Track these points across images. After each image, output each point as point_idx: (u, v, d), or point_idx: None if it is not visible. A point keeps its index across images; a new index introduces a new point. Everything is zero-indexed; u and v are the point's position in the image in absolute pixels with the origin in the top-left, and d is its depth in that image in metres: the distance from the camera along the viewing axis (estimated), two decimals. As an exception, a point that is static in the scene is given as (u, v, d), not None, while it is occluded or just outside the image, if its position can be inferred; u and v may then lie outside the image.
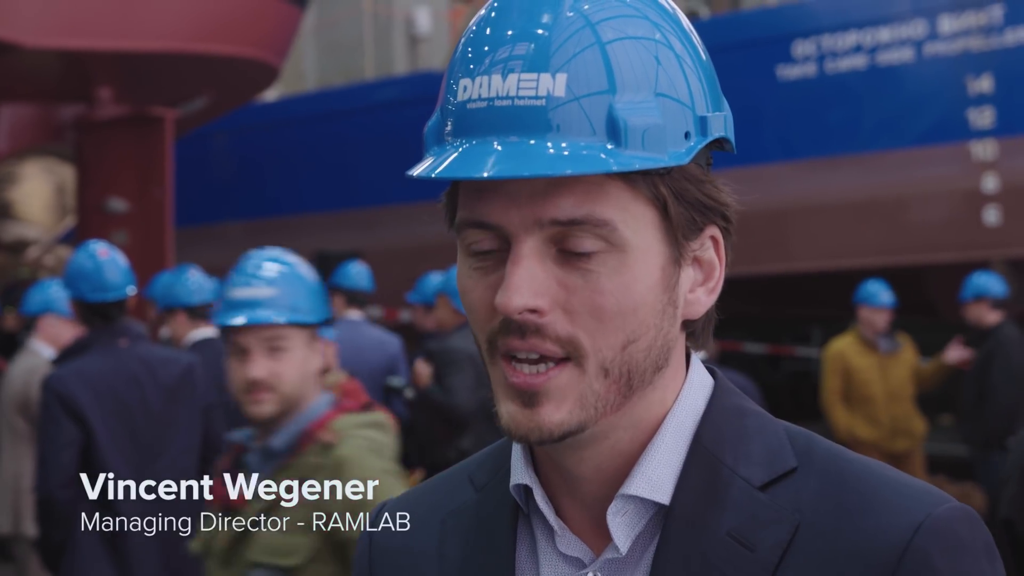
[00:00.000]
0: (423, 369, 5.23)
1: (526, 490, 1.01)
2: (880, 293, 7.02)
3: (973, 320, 6.79)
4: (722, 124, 0.97)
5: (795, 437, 0.99)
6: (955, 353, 7.02)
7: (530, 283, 0.90)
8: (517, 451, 1.02)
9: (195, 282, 5.54)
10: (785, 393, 10.83)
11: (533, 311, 0.90)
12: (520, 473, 1.00)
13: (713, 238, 0.98)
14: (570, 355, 0.92)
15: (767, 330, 10.76)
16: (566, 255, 0.91)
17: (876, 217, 8.88)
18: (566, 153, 0.88)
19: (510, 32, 0.92)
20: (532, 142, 0.89)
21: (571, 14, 0.91)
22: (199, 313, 5.50)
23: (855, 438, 6.86)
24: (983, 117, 8.52)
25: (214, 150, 12.60)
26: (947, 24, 8.68)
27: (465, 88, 0.93)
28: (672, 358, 0.98)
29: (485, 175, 0.88)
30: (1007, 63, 8.49)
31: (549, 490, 1.00)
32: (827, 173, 9.14)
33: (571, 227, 0.90)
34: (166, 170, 8.94)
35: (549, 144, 0.88)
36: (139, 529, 3.87)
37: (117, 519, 3.85)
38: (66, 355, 4.11)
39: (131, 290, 4.13)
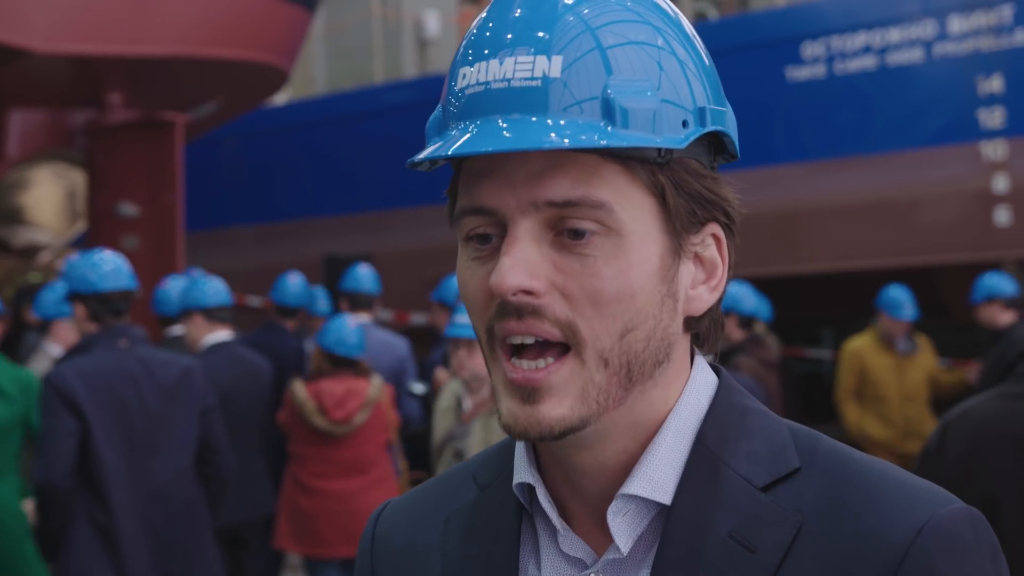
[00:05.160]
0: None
1: (529, 489, 1.01)
2: (903, 306, 6.94)
3: (986, 321, 6.74)
4: (723, 119, 0.98)
5: (799, 437, 0.98)
6: (975, 375, 6.98)
7: (525, 264, 0.90)
8: (520, 450, 1.01)
9: (212, 285, 5.59)
10: (796, 394, 10.80)
11: (528, 293, 0.90)
12: (523, 472, 1.00)
13: (715, 236, 0.98)
14: (569, 342, 0.91)
15: (777, 331, 10.74)
16: (563, 240, 0.91)
17: (886, 218, 8.85)
18: (558, 134, 0.88)
19: (509, 27, 0.93)
20: (533, 119, 0.89)
21: (570, 8, 0.93)
22: (216, 316, 5.54)
23: (866, 437, 6.84)
24: (993, 117, 8.50)
25: (224, 154, 12.63)
26: (957, 24, 8.66)
27: (464, 75, 0.94)
28: (674, 354, 0.97)
29: (469, 150, 0.89)
30: (1017, 63, 8.47)
31: (552, 489, 1.00)
32: (837, 174, 9.12)
33: (566, 209, 0.90)
34: (177, 174, 8.95)
35: (549, 122, 0.89)
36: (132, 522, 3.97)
37: (111, 512, 3.95)
38: (69, 355, 4.20)
39: (136, 286, 4.26)
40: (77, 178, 10.87)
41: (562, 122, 0.89)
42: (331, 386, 5.31)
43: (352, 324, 5.46)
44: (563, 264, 0.91)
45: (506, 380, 0.93)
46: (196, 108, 9.53)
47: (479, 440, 3.89)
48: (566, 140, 0.88)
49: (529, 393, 0.92)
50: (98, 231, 9.11)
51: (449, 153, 0.90)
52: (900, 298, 6.97)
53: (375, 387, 5.36)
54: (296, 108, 13.32)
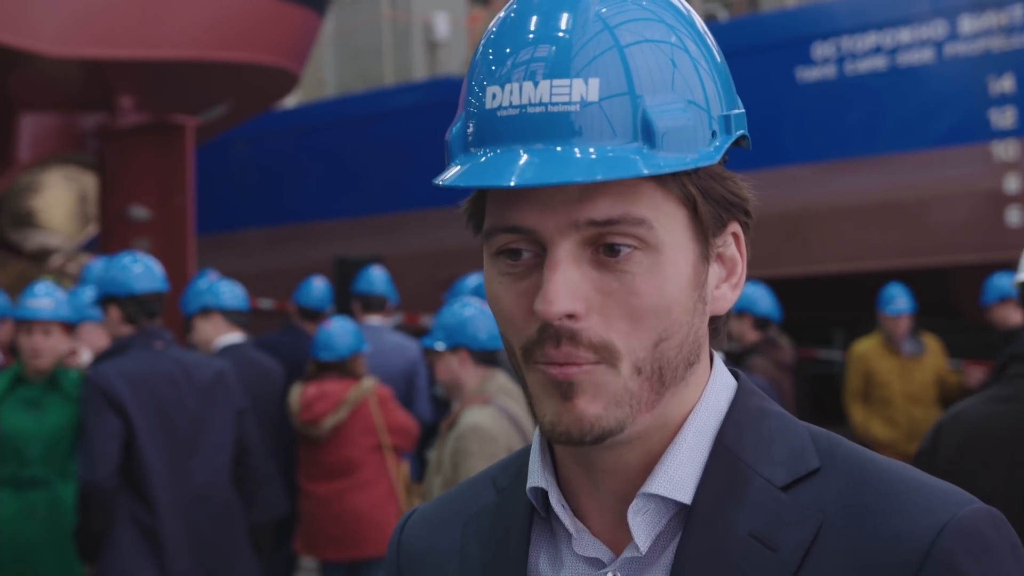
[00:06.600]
0: None
1: (544, 493, 1.01)
2: (895, 300, 6.93)
3: (998, 322, 6.71)
4: (743, 121, 0.98)
5: (818, 438, 0.99)
6: (975, 378, 6.95)
7: (568, 288, 0.90)
8: (535, 453, 1.02)
9: (230, 287, 5.62)
10: (807, 396, 10.77)
11: (571, 316, 0.90)
12: (536, 476, 1.00)
13: (735, 234, 0.99)
14: (603, 359, 0.92)
15: (788, 332, 10.73)
16: (600, 257, 0.92)
17: (897, 219, 8.84)
18: (595, 158, 0.88)
19: (531, 35, 0.92)
20: (559, 148, 0.89)
21: (591, 16, 0.92)
22: (233, 318, 5.56)
23: (871, 437, 6.83)
24: (1004, 117, 8.48)
25: (235, 157, 12.66)
26: (967, 24, 8.64)
27: (494, 95, 0.92)
28: (702, 354, 0.98)
29: (514, 183, 0.87)
30: (1028, 63, 8.45)
31: (568, 489, 1.00)
32: (848, 175, 9.10)
33: (607, 227, 0.90)
34: (187, 178, 8.97)
35: (576, 150, 0.88)
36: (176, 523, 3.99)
37: (155, 513, 3.98)
38: (105, 357, 4.19)
39: (168, 287, 4.30)
40: (88, 182, 10.90)
41: (594, 149, 0.88)
42: (309, 388, 5.35)
43: (330, 326, 5.43)
44: (602, 284, 0.91)
45: (545, 379, 0.93)
46: (206, 111, 9.55)
47: (435, 451, 3.85)
48: (602, 174, 0.87)
49: (566, 388, 0.92)
50: (109, 234, 9.14)
51: (491, 184, 0.89)
52: (892, 293, 6.95)
53: (357, 389, 5.31)
54: (306, 111, 13.35)
